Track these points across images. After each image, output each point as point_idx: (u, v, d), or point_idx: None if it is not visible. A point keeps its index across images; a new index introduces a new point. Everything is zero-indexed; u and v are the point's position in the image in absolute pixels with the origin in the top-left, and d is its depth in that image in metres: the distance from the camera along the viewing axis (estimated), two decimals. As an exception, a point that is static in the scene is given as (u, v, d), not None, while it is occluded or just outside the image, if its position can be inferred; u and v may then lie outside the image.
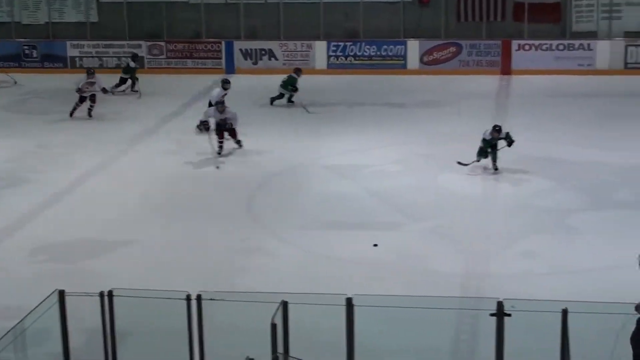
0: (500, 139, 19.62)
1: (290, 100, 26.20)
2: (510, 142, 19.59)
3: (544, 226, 16.92)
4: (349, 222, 17.33)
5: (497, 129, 19.57)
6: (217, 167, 20.37)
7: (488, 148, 19.64)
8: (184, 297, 9.90)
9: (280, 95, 26.25)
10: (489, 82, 28.36)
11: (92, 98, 25.05)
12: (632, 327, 10.06)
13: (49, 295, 10.26)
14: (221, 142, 21.30)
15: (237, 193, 19.05)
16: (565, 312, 9.42)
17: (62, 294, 10.10)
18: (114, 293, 10.09)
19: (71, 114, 25.12)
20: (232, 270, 15.08)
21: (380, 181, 19.52)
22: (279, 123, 24.55)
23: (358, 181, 19.55)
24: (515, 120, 24.03)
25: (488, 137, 19.58)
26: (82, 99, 24.98)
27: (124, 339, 11.26)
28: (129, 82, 28.20)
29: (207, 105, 23.17)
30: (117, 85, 27.84)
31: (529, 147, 21.28)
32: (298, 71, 26.33)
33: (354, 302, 9.72)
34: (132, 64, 28.26)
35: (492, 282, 14.46)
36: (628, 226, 16.81)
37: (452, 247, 16.11)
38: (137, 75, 28.30)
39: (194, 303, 9.85)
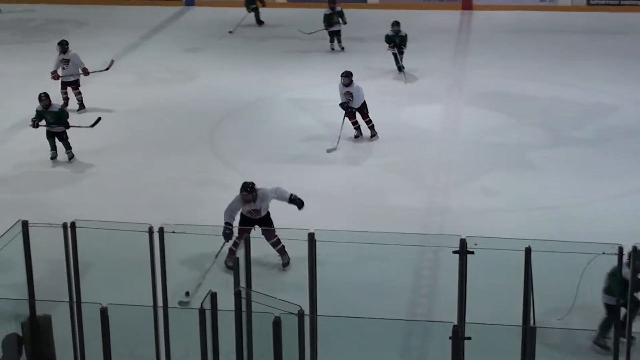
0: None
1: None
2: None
3: (504, 162, 16.97)
4: (308, 156, 17.30)
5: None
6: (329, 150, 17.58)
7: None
8: (146, 229, 9.83)
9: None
10: (450, 17, 28.23)
11: (74, 86, 19.81)
12: (596, 266, 10.11)
13: (13, 226, 10.17)
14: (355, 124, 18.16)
15: (199, 126, 18.92)
16: (528, 251, 9.45)
17: (25, 224, 10.02)
18: (77, 224, 10.01)
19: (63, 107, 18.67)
20: (192, 203, 15.05)
21: (339, 116, 19.41)
22: (240, 57, 24.31)
23: (318, 115, 19.47)
24: (476, 56, 24.03)
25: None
26: (63, 85, 19.76)
27: (87, 270, 11.21)
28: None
29: None
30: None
31: (490, 83, 21.32)
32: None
33: (316, 237, 9.69)
34: None
35: (452, 219, 14.55)
36: (589, 163, 16.92)
37: (411, 182, 16.14)
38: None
39: (155, 236, 9.78)
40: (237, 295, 9.45)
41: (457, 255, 9.59)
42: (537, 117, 19.36)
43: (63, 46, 19.39)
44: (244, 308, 9.49)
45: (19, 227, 10.01)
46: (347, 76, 17.69)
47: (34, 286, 10.30)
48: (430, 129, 18.77)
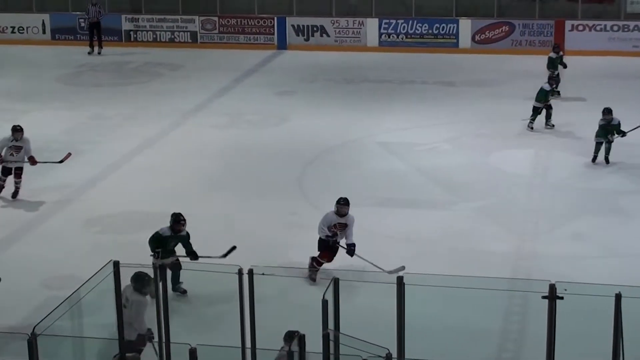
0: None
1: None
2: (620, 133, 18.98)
3: (595, 208, 16.85)
4: (399, 199, 17.37)
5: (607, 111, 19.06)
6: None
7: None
8: (236, 271, 9.99)
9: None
10: (542, 62, 28.06)
11: (18, 173, 17.33)
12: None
13: (104, 266, 10.39)
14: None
15: (289, 168, 19.13)
16: (618, 297, 9.37)
17: (116, 264, 10.21)
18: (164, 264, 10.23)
19: None
20: (283, 246, 15.18)
21: (431, 159, 19.51)
22: (330, 100, 24.56)
23: (409, 159, 19.57)
24: (568, 101, 23.88)
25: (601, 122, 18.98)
26: (5, 171, 17.31)
27: (175, 311, 11.40)
28: None
29: None
30: None
31: (583, 129, 21.13)
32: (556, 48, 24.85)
33: (405, 281, 9.74)
34: None
35: (541, 264, 14.46)
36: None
37: (501, 227, 16.10)
38: None
39: (245, 277, 9.92)
40: (325, 337, 9.53)
41: (546, 301, 9.55)
42: (630, 162, 19.15)
43: (17, 131, 17.15)
44: (332, 351, 9.56)
45: (110, 268, 10.22)
46: (347, 204, 14.14)
47: (123, 327, 10.48)
48: (522, 173, 18.72)
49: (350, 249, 13.84)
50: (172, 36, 31.24)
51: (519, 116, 21.81)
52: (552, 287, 9.51)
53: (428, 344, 11.58)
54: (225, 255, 13.16)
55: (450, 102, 23.94)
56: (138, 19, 31.60)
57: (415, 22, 30.05)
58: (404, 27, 30.12)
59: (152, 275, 10.75)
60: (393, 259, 13.62)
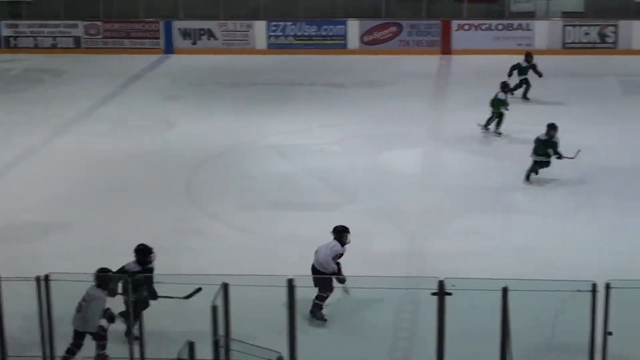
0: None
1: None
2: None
3: (484, 204, 16.96)
4: (289, 202, 17.23)
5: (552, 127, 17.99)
6: None
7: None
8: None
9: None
10: (429, 62, 28.37)
11: None
12: (572, 305, 10.11)
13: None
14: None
15: (177, 174, 18.84)
16: (505, 291, 9.42)
17: (-4, 278, 9.91)
18: (51, 277, 9.89)
19: None
20: (171, 252, 14.88)
21: (321, 161, 19.44)
22: (219, 104, 24.33)
23: (299, 161, 19.47)
24: (456, 100, 24.11)
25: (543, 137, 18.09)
26: None
27: (60, 322, 11.06)
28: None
29: None
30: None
31: (470, 126, 21.30)
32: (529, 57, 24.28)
33: (295, 283, 9.63)
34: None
35: (432, 261, 14.48)
36: (569, 205, 16.98)
37: (392, 226, 16.08)
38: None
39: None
40: (215, 344, 9.37)
41: (436, 297, 9.56)
42: (517, 159, 19.34)
43: None
44: (222, 357, 9.40)
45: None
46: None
47: (5, 340, 10.12)
48: (411, 173, 18.76)
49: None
50: (54, 42, 30.55)
51: (406, 117, 21.93)
52: (441, 284, 9.53)
53: (321, 345, 11.51)
54: (188, 297, 11.72)
55: (339, 104, 23.93)
56: (18, 24, 30.83)
57: (303, 24, 29.99)
58: (292, 29, 30.04)
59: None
60: (284, 263, 13.44)
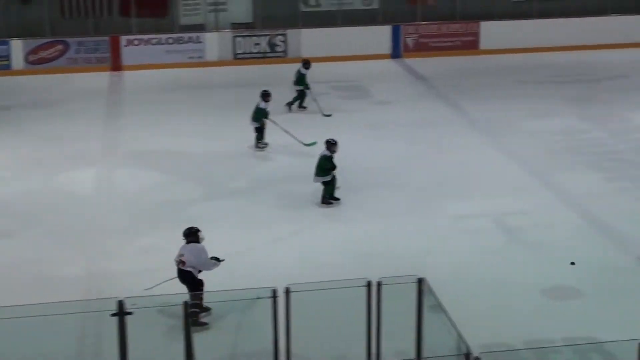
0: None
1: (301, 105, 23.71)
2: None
3: (165, 220, 16.81)
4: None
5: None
6: None
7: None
8: None
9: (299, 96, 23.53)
10: (100, 79, 27.84)
11: None
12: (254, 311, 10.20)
13: None
14: None
15: None
16: (186, 304, 9.32)
17: None
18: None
19: None
20: None
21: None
22: None
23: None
24: (130, 116, 23.81)
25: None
26: None
27: None
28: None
29: None
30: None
31: (146, 142, 21.12)
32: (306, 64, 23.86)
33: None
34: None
35: (115, 281, 14.20)
36: (243, 212, 17.22)
37: (70, 249, 15.62)
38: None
39: None
40: None
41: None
42: (195, 171, 19.40)
43: None
44: None
45: None
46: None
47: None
48: (87, 193, 18.29)
49: None
50: None
51: (81, 136, 21.42)
52: (121, 304, 9.29)
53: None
54: None
55: (6, 127, 22.84)
56: None
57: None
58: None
59: None
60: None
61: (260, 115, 20.39)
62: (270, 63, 29.34)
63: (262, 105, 20.50)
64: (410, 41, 30.40)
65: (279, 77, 27.61)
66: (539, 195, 17.69)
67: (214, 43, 29.63)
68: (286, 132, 20.05)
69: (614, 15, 31.19)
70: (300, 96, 23.66)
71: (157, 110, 24.25)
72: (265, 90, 20.72)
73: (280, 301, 10.29)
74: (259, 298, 9.99)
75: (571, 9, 31.07)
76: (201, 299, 12.29)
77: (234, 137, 21.47)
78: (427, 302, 10.80)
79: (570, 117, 22.77)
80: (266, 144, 20.61)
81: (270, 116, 20.46)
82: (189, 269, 12.71)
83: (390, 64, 29.45)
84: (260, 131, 20.51)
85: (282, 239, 15.96)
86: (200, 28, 30.08)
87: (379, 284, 10.75)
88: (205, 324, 12.35)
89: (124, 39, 29.13)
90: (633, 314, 13.05)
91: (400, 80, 27.23)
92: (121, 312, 9.27)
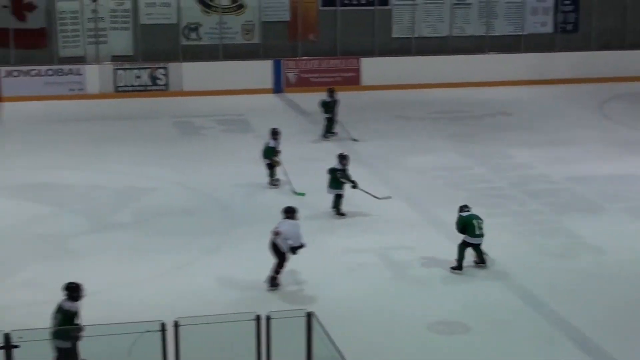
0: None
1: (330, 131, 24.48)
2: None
3: (45, 253, 16.49)
4: None
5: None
6: None
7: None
8: None
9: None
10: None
11: None
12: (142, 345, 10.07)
13: None
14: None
15: None
16: (73, 337, 9.16)
17: None
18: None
19: None
20: None
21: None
22: None
23: None
24: (8, 148, 23.34)
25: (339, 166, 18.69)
26: None
27: None
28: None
29: None
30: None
31: (24, 175, 20.73)
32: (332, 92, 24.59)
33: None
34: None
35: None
36: (127, 245, 17.02)
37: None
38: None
39: None
40: None
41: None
42: (76, 204, 19.11)
43: None
44: None
45: None
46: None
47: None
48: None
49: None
50: None
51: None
52: (7, 337, 9.11)
53: None
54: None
55: None
56: None
57: None
58: None
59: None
60: None
61: (269, 154, 20.36)
62: (151, 96, 29.21)
63: (272, 143, 20.44)
64: (291, 76, 30.64)
65: (161, 110, 27.55)
66: (422, 230, 17.92)
67: (94, 75, 29.35)
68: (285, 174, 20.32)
69: (491, 54, 32.05)
70: (329, 123, 24.18)
71: (36, 142, 23.85)
72: (274, 129, 20.70)
73: (169, 335, 10.19)
74: (147, 332, 9.86)
75: (449, 47, 31.79)
76: (279, 271, 14.96)
77: (116, 169, 21.26)
78: (316, 336, 10.82)
79: (451, 153, 23.18)
80: (279, 180, 20.44)
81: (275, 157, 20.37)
82: (279, 241, 14.92)
83: (272, 99, 29.61)
84: (271, 167, 20.41)
85: (168, 273, 15.78)
86: (81, 60, 29.73)
87: (268, 318, 10.73)
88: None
89: (2, 70, 28.63)
90: (518, 346, 13.31)
91: (283, 114, 27.34)
92: (8, 346, 9.08)
